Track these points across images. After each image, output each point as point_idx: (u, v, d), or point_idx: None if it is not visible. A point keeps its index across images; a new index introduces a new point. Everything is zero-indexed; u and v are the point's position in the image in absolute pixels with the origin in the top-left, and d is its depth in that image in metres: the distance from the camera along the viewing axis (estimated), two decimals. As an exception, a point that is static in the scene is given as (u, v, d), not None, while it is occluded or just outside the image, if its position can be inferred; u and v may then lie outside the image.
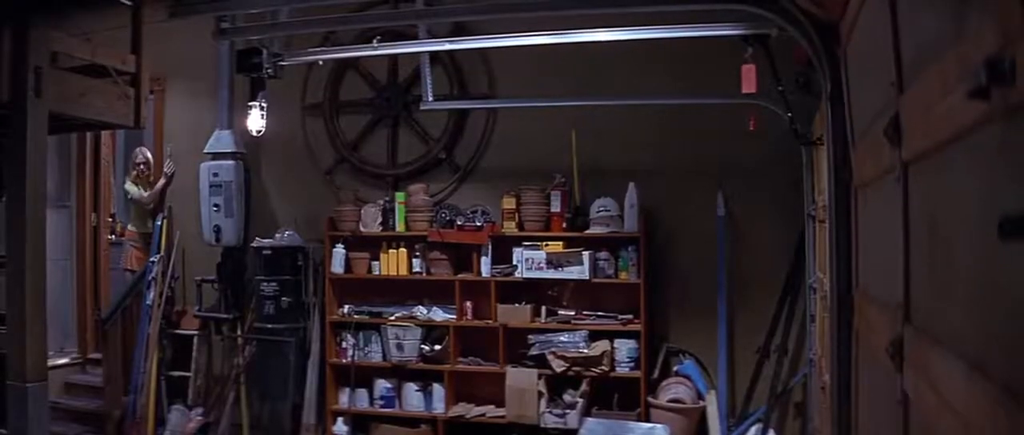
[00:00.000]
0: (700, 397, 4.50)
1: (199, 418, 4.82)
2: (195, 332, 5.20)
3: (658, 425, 4.48)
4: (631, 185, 4.61)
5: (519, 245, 4.79)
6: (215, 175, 5.27)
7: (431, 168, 5.24)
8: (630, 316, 4.61)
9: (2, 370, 4.08)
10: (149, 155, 5.74)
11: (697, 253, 4.64)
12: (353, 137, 5.29)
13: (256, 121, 4.47)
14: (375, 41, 4.06)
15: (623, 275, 4.61)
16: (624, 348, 4.80)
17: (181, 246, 5.31)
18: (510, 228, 4.78)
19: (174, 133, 5.41)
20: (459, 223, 4.93)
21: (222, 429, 4.96)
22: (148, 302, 5.14)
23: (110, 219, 6.03)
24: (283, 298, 5.19)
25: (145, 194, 5.97)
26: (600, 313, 4.79)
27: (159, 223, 5.20)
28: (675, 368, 4.67)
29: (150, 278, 5.09)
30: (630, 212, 4.64)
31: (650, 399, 4.49)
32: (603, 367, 4.58)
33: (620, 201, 4.59)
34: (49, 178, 6.83)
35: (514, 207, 4.78)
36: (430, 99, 4.53)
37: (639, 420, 4.46)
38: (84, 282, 5.75)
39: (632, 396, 4.55)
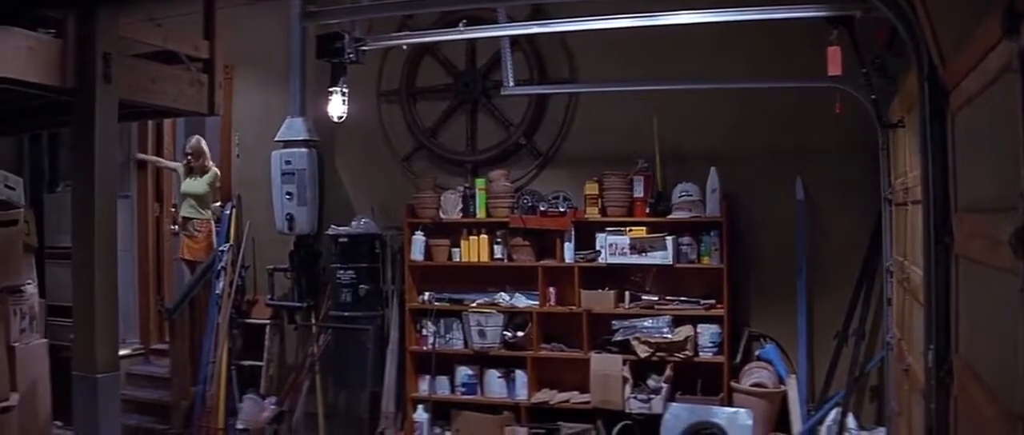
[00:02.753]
0: (781, 382, 5.28)
1: (273, 407, 5.53)
2: (267, 321, 5.95)
3: (742, 409, 5.23)
4: (712, 170, 5.37)
5: (602, 230, 5.56)
6: (288, 163, 6.17)
7: (511, 154, 6.04)
8: (713, 301, 5.41)
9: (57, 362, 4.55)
10: (202, 144, 6.68)
11: (777, 238, 5.41)
12: (431, 123, 6.16)
13: (337, 107, 5.23)
14: (461, 24, 4.92)
15: (705, 260, 5.41)
16: (707, 333, 5.49)
17: (251, 235, 5.85)
18: (593, 214, 5.60)
19: (243, 122, 6.17)
20: (542, 209, 5.70)
21: (296, 418, 5.61)
22: (217, 291, 5.83)
23: (172, 209, 7.08)
24: (361, 286, 5.96)
25: (196, 182, 6.80)
26: (683, 298, 5.53)
27: (227, 212, 5.88)
28: (756, 353, 5.44)
29: (219, 267, 5.82)
30: (712, 197, 5.41)
31: (733, 384, 5.25)
32: (687, 352, 5.37)
33: (701, 186, 5.40)
34: None
35: (597, 192, 5.59)
36: (511, 84, 5.37)
37: (722, 405, 5.22)
38: (146, 273, 6.51)
39: (715, 381, 5.35)
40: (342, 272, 5.71)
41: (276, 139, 6.06)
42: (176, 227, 6.92)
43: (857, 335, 5.11)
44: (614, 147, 5.75)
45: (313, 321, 6.03)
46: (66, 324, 7.11)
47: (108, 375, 4.37)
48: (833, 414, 4.93)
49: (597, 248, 5.64)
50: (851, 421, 4.87)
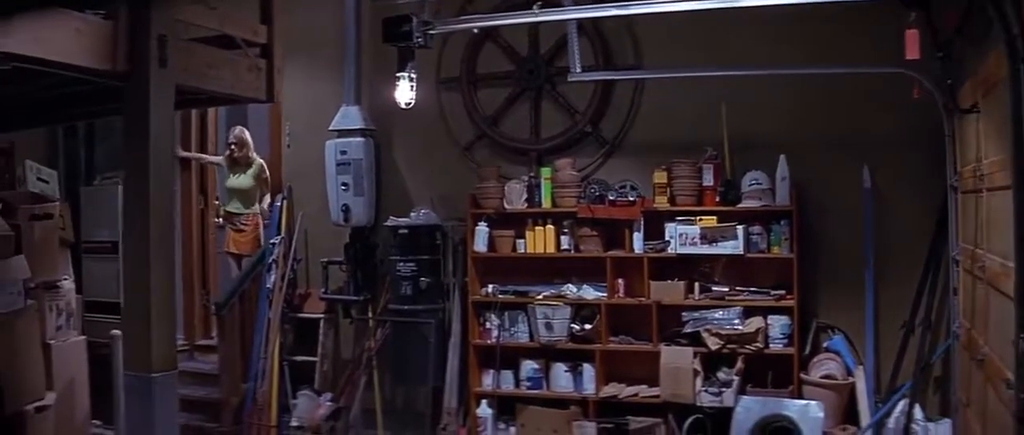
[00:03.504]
0: (849, 373, 5.45)
1: (329, 403, 5.53)
2: (321, 315, 6.00)
3: (813, 402, 5.37)
4: (782, 158, 5.57)
5: (672, 220, 5.75)
6: (343, 153, 6.32)
7: (576, 142, 6.22)
8: (782, 292, 5.61)
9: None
10: (245, 135, 6.85)
11: (843, 226, 5.63)
12: (493, 111, 6.35)
13: (405, 93, 5.34)
14: (535, 7, 5.08)
15: (775, 250, 5.61)
16: (777, 324, 5.65)
17: (303, 227, 5.85)
18: (662, 203, 5.79)
19: (293, 110, 6.18)
20: (611, 198, 5.87)
21: (353, 414, 5.54)
22: (268, 285, 5.83)
23: (216, 201, 7.35)
24: (421, 278, 6.11)
25: (240, 178, 6.91)
26: (753, 289, 5.72)
27: (278, 204, 5.88)
28: (825, 344, 5.61)
29: (270, 260, 5.83)
30: (781, 185, 5.60)
31: (802, 375, 5.45)
32: (758, 344, 5.54)
33: (770, 174, 5.60)
34: None
35: (665, 181, 5.79)
36: (578, 70, 5.54)
37: (792, 397, 5.40)
38: (191, 267, 6.55)
39: (784, 373, 5.54)
40: (402, 264, 5.81)
41: (330, 128, 6.26)
42: (220, 220, 6.82)
43: (924, 325, 5.29)
44: (681, 134, 5.94)
45: (370, 315, 5.99)
46: (104, 320, 7.32)
47: (165, 374, 4.32)
48: (900, 406, 5.16)
49: (666, 238, 5.81)
50: (918, 412, 5.11)
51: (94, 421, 6.13)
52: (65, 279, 5.94)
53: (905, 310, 5.30)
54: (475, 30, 5.53)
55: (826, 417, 5.16)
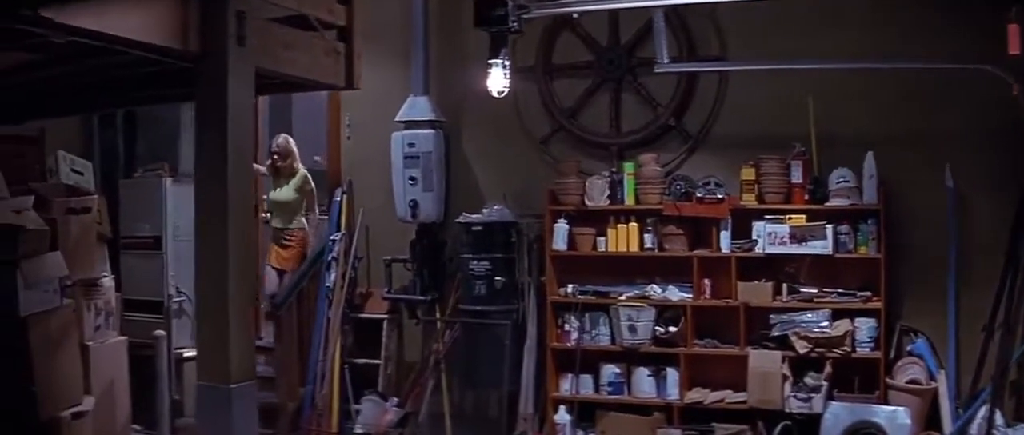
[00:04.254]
0: (932, 377, 5.55)
1: (395, 409, 5.29)
2: (384, 316, 5.85)
3: (900, 408, 5.40)
4: (869, 154, 5.65)
5: (760, 218, 5.81)
6: (411, 146, 6.29)
7: (658, 137, 6.27)
8: (868, 293, 5.70)
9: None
10: (290, 143, 6.78)
11: (926, 226, 5.73)
12: (571, 103, 6.41)
13: (499, 81, 5.33)
14: None
15: (862, 250, 5.70)
16: (864, 327, 5.69)
17: (364, 223, 5.66)
18: (749, 200, 5.85)
19: (354, 100, 6.02)
20: (699, 195, 5.90)
21: (421, 420, 5.32)
22: (328, 284, 5.59)
23: (264, 214, 7.35)
24: (496, 278, 6.08)
25: (282, 190, 6.73)
26: (840, 290, 5.79)
27: (338, 199, 5.64)
28: (908, 348, 5.71)
29: (330, 258, 5.59)
30: (869, 183, 5.67)
31: (888, 380, 5.54)
32: (845, 348, 5.61)
33: (857, 171, 5.68)
34: (194, 150, 7.11)
35: (753, 178, 5.85)
36: (665, 60, 5.58)
37: (878, 403, 5.47)
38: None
39: (870, 377, 5.63)
40: (475, 263, 5.81)
41: (397, 119, 6.35)
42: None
43: (1003, 328, 5.35)
44: (765, 129, 6.01)
45: (437, 315, 5.80)
46: (145, 319, 7.13)
47: (244, 384, 4.10)
48: (983, 411, 5.24)
49: (754, 237, 5.87)
50: (999, 418, 5.20)
51: (134, 426, 6.06)
52: (104, 277, 5.84)
53: (987, 313, 5.40)
54: (575, 15, 5.36)
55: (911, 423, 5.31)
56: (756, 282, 5.86)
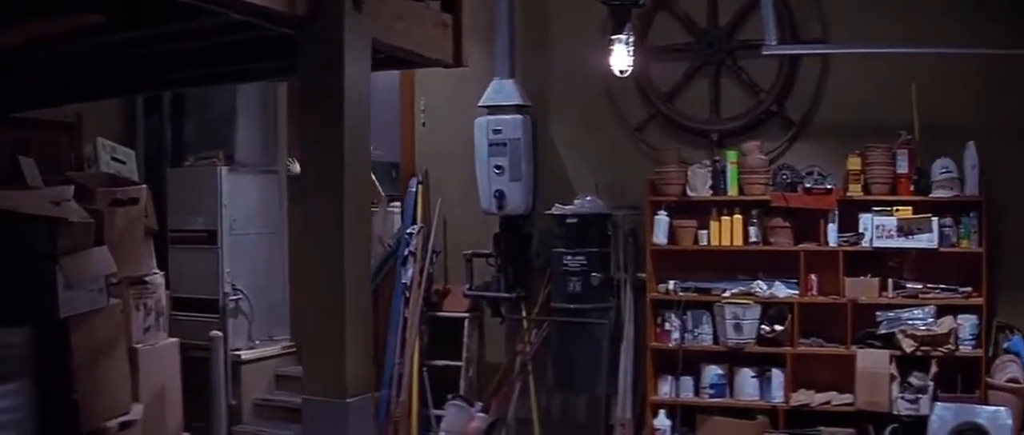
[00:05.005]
0: None
1: (482, 415, 4.96)
2: (464, 314, 5.47)
3: (1002, 408, 5.32)
4: (970, 144, 5.64)
5: (867, 210, 5.78)
6: (497, 132, 6.03)
7: (759, 124, 6.21)
8: (969, 289, 5.72)
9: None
10: None
11: (1021, 219, 5.75)
12: (668, 88, 6.35)
13: (622, 58, 5.26)
14: None
15: (964, 243, 5.72)
16: (967, 324, 5.65)
17: (441, 215, 5.33)
18: (856, 191, 5.84)
19: (429, 83, 5.69)
20: (808, 185, 5.84)
21: (509, 426, 5.04)
22: (404, 281, 5.25)
23: None
24: (593, 274, 5.90)
25: None
26: (942, 286, 5.78)
27: (413, 189, 5.30)
28: (1004, 345, 5.69)
29: (406, 252, 5.25)
30: (971, 174, 5.68)
31: (988, 379, 5.52)
32: (949, 346, 5.61)
33: (958, 162, 5.68)
34: (251, 136, 6.70)
35: (859, 168, 5.84)
36: (774, 42, 5.55)
37: (979, 402, 5.43)
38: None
39: (970, 376, 5.61)
40: (570, 258, 5.67)
41: (481, 104, 6.12)
42: None
43: None
44: (867, 117, 5.98)
45: (523, 314, 5.48)
46: (195, 319, 6.59)
47: (361, 398, 3.62)
48: None
49: (860, 230, 5.83)
50: None
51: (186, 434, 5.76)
52: (154, 273, 5.63)
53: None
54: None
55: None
56: (862, 277, 5.87)
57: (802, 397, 5.86)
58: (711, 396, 5.97)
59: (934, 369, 5.63)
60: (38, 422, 4.41)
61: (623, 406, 5.95)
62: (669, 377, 6.02)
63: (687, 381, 6.00)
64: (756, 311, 5.88)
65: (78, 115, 6.83)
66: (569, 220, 5.94)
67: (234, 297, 6.56)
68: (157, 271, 5.63)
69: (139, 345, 5.18)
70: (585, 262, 5.91)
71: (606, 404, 6.03)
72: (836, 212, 5.85)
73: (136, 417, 4.88)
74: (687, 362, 5.99)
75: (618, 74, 5.17)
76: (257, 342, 6.74)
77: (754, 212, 5.98)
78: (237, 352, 6.58)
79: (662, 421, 5.91)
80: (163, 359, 5.50)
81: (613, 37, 5.06)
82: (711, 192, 6.01)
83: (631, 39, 4.94)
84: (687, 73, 6.29)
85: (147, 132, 6.97)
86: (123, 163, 6.80)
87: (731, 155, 6.02)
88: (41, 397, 4.34)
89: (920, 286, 5.84)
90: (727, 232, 5.97)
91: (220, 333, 6.20)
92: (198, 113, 6.97)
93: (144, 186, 5.57)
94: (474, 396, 6.23)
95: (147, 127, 6.98)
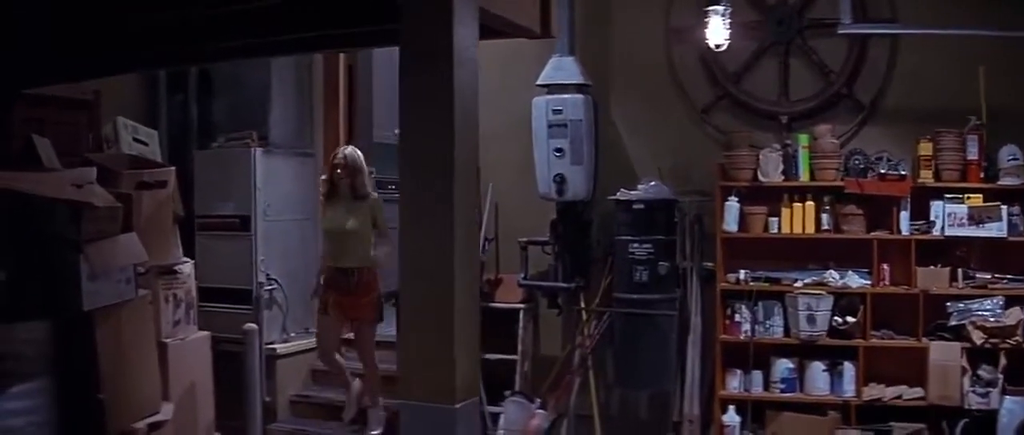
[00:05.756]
0: None
1: (542, 411, 4.75)
2: (518, 305, 5.19)
3: None
4: None
5: (938, 198, 5.80)
6: (557, 112, 5.89)
7: (829, 107, 6.16)
8: None
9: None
10: (359, 157, 5.87)
11: None
12: (735, 68, 6.32)
13: (718, 32, 5.19)
14: None
15: None
16: None
17: (494, 200, 5.11)
18: (927, 178, 5.87)
19: (481, 62, 5.29)
20: (882, 171, 5.82)
21: (568, 423, 6.02)
22: None
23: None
24: (661, 263, 5.79)
25: (352, 217, 5.75)
26: (1009, 276, 5.81)
27: None
28: None
29: None
30: None
31: None
32: (1017, 338, 5.64)
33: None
34: (285, 117, 6.32)
35: (930, 154, 5.88)
36: (848, 20, 5.49)
37: None
38: None
39: None
40: (636, 246, 5.52)
41: (539, 83, 5.98)
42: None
43: None
44: (935, 102, 5.93)
45: (582, 305, 5.25)
46: (223, 310, 6.29)
47: (469, 402, 3.50)
48: None
49: (931, 218, 5.84)
50: None
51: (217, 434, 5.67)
52: (184, 262, 5.47)
53: None
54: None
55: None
56: (932, 267, 5.92)
57: (874, 391, 5.92)
58: (781, 391, 6.01)
59: (1003, 362, 5.70)
60: (61, 424, 4.30)
61: (691, 402, 5.99)
62: (738, 371, 6.06)
63: (756, 375, 6.03)
64: (829, 302, 5.94)
65: (96, 93, 6.64)
66: (636, 206, 5.90)
67: (268, 287, 6.56)
68: (187, 260, 5.51)
69: (168, 340, 5.03)
70: (652, 250, 5.88)
71: (665, 400, 5.98)
72: (908, 199, 5.88)
73: (166, 417, 4.71)
74: (756, 355, 5.98)
75: (713, 49, 4.84)
76: (292, 335, 6.67)
77: (826, 198, 5.99)
78: (272, 346, 6.49)
79: (731, 417, 5.97)
80: (194, 354, 5.35)
81: (709, 8, 5.00)
82: (783, 177, 6.03)
83: (729, 11, 4.71)
84: (755, 53, 6.28)
85: (170, 111, 6.79)
86: (145, 144, 6.49)
87: (803, 139, 6.06)
88: (64, 397, 4.17)
89: (989, 276, 5.90)
90: (799, 219, 5.98)
91: (255, 326, 6.01)
92: (228, 92, 6.82)
93: (173, 168, 5.43)
94: (529, 391, 6.20)
95: (170, 106, 6.81)
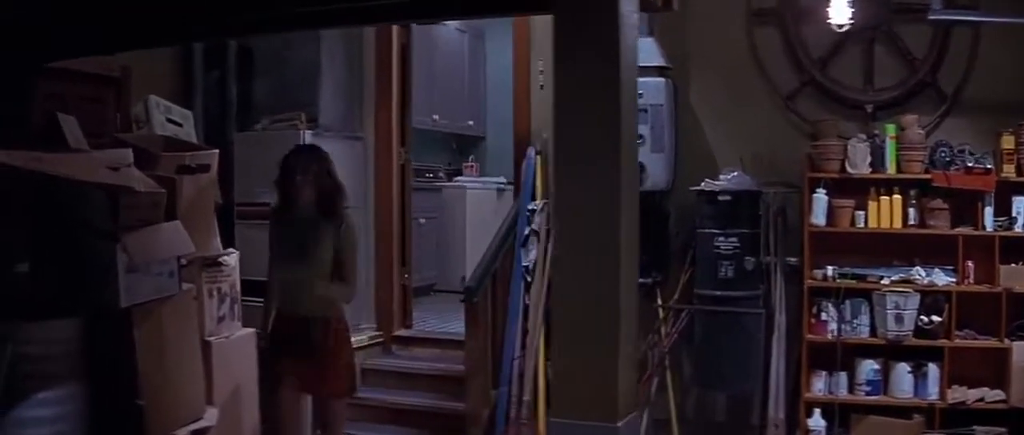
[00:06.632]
0: None
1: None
2: None
3: None
4: None
5: (1020, 193, 5.80)
6: (637, 96, 4.81)
7: (912, 96, 6.09)
8: None
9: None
10: (324, 154, 4.74)
11: None
12: (820, 53, 6.26)
13: (842, 11, 5.06)
14: None
15: None
16: None
17: None
18: (1009, 172, 5.89)
19: (546, 43, 5.10)
20: (969, 164, 5.79)
21: (644, 427, 5.76)
22: (525, 263, 4.74)
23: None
24: (747, 258, 5.77)
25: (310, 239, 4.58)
26: None
27: (531, 160, 4.85)
28: None
29: (527, 231, 4.72)
30: None
31: None
32: None
33: None
34: (335, 97, 6.02)
35: (1013, 147, 5.90)
36: (939, 5, 5.46)
37: None
38: (388, 236, 5.28)
39: None
40: (722, 239, 5.30)
41: None
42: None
43: None
44: (1017, 94, 5.80)
45: (659, 301, 5.04)
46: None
47: (632, 418, 3.11)
48: None
49: (1013, 214, 5.84)
50: None
51: (262, 439, 6.48)
52: (229, 253, 5.09)
53: None
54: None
55: None
56: (1014, 265, 5.95)
57: (957, 394, 5.97)
58: (867, 393, 6.07)
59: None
60: (93, 434, 3.74)
61: (777, 404, 5.99)
62: (823, 373, 6.11)
63: (841, 377, 6.05)
64: (916, 300, 6.00)
65: (124, 68, 6.12)
66: (722, 197, 5.92)
67: None
68: (232, 250, 5.14)
69: (212, 338, 4.69)
70: (738, 244, 5.96)
71: (746, 402, 5.95)
72: (992, 194, 5.90)
73: (210, 422, 4.35)
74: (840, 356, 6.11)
75: (836, 29, 4.62)
76: None
77: (912, 192, 6.06)
78: None
79: (817, 421, 6.03)
80: (239, 353, 4.94)
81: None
82: (870, 169, 6.09)
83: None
84: (839, 38, 6.17)
85: (206, 90, 6.31)
86: (180, 125, 6.12)
87: (889, 129, 6.15)
88: (96, 404, 3.99)
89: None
90: (886, 213, 6.04)
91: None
92: (271, 69, 6.56)
93: (216, 151, 5.13)
94: None
95: (206, 84, 6.29)
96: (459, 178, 9.97)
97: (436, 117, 8.38)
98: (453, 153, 10.44)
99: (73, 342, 4.26)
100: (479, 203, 9.32)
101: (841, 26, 5.26)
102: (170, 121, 6.72)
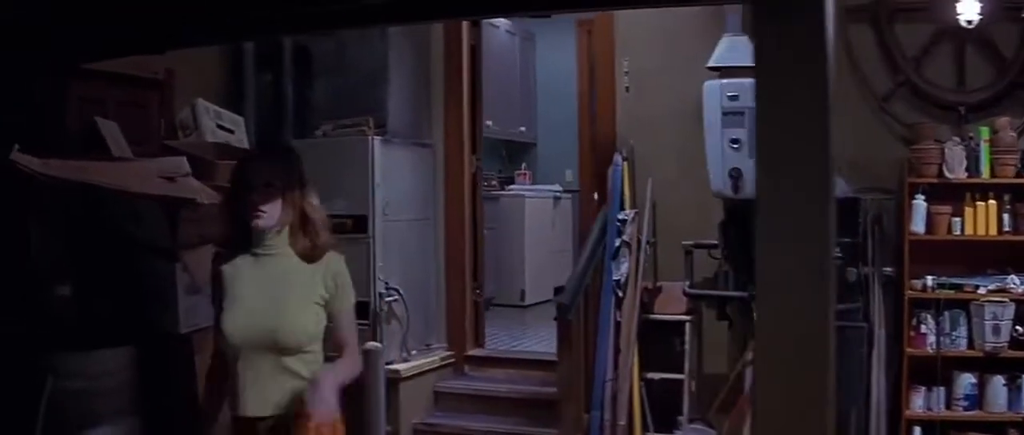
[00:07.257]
0: None
1: None
2: (683, 317, 4.73)
3: None
4: None
5: None
6: (732, 98, 5.44)
7: (1002, 98, 5.87)
8: None
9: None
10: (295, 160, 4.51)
11: None
12: (914, 52, 6.07)
13: (971, 5, 5.04)
14: None
15: None
16: None
17: (652, 198, 4.73)
18: None
19: (633, 41, 4.95)
20: None
21: None
22: (616, 277, 4.57)
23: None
24: (849, 268, 5.53)
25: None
26: None
27: (619, 166, 4.68)
28: None
29: (618, 243, 4.56)
30: None
31: None
32: None
33: None
34: (404, 101, 5.73)
35: None
36: None
37: None
38: (460, 250, 5.06)
39: None
40: None
41: (710, 65, 5.54)
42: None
43: None
44: None
45: (755, 317, 4.77)
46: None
47: None
48: None
49: None
50: None
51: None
52: None
53: None
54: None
55: None
56: None
57: None
58: (964, 409, 5.94)
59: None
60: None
61: (878, 423, 5.93)
62: (921, 388, 6.04)
63: (940, 392, 6.00)
64: (1011, 310, 5.97)
65: (168, 71, 5.70)
66: None
67: (389, 298, 5.67)
68: None
69: None
70: (839, 254, 5.45)
71: (842, 420, 5.51)
72: None
73: None
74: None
75: (965, 25, 4.41)
76: (413, 353, 5.80)
77: (1007, 197, 5.97)
78: (391, 366, 6.00)
79: None
80: None
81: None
82: (966, 174, 5.99)
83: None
84: (934, 34, 6.09)
85: (259, 93, 6.27)
86: (231, 132, 5.77)
87: (983, 132, 6.11)
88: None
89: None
90: (982, 219, 6.01)
91: (378, 344, 5.19)
92: (331, 71, 6.38)
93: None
94: (697, 416, 6.05)
95: (259, 87, 6.28)
96: (513, 186, 9.73)
97: (488, 123, 7.98)
98: (503, 160, 10.18)
99: (124, 373, 3.83)
100: (537, 213, 9.09)
101: (970, 22, 5.08)
102: (221, 127, 6.27)
